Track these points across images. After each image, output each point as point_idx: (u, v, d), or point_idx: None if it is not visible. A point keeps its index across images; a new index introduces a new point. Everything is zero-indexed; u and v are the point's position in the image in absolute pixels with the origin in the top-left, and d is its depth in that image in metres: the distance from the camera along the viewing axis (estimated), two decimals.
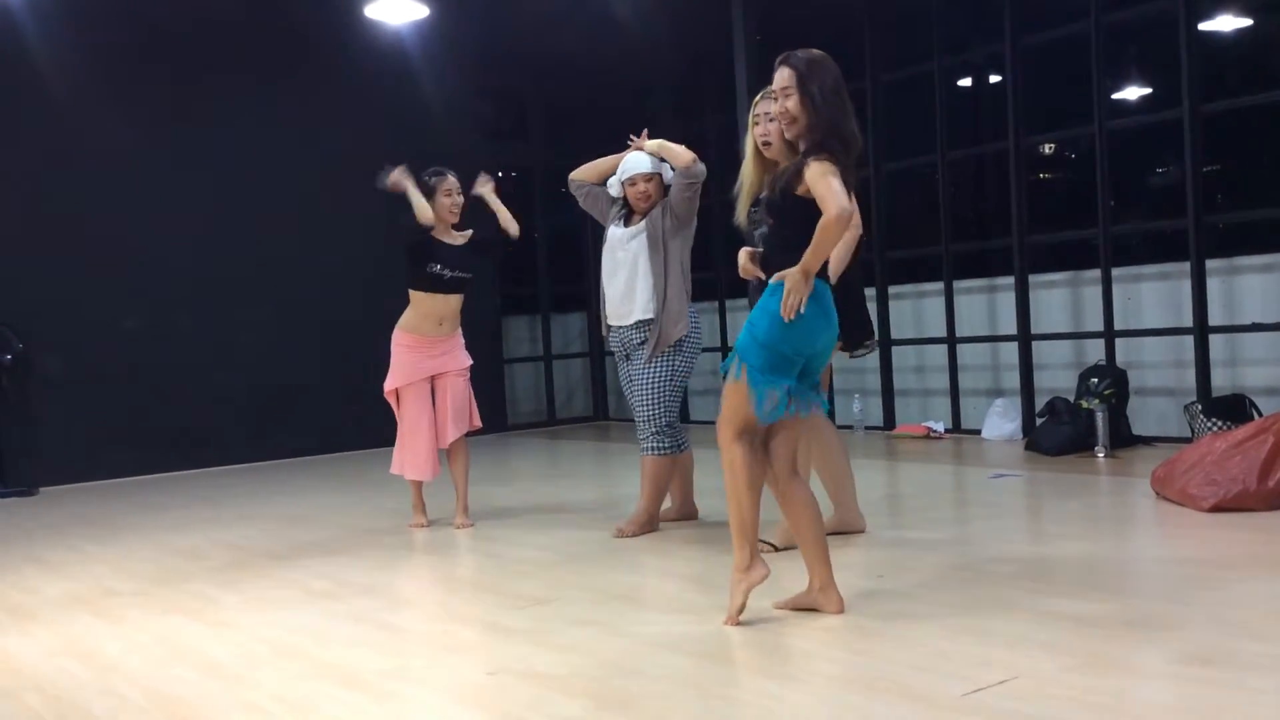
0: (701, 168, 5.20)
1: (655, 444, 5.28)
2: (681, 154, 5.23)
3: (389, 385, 5.86)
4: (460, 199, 5.83)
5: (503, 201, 5.93)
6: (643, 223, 5.30)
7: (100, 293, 8.71)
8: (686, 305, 5.28)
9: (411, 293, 5.81)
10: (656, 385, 5.26)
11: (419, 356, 5.80)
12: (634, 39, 9.34)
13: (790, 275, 3.51)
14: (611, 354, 5.47)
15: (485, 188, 5.96)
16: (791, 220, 3.58)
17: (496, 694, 3.18)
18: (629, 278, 5.30)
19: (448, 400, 5.79)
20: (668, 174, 5.33)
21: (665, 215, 5.22)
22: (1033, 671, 3.01)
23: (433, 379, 5.83)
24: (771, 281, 3.62)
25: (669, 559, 4.87)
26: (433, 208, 5.67)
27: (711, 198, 10.62)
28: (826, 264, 3.61)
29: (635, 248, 5.28)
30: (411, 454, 5.82)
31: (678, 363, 5.28)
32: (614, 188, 5.41)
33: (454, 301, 5.82)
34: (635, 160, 5.31)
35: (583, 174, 5.58)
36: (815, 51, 3.66)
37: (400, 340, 5.84)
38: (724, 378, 3.70)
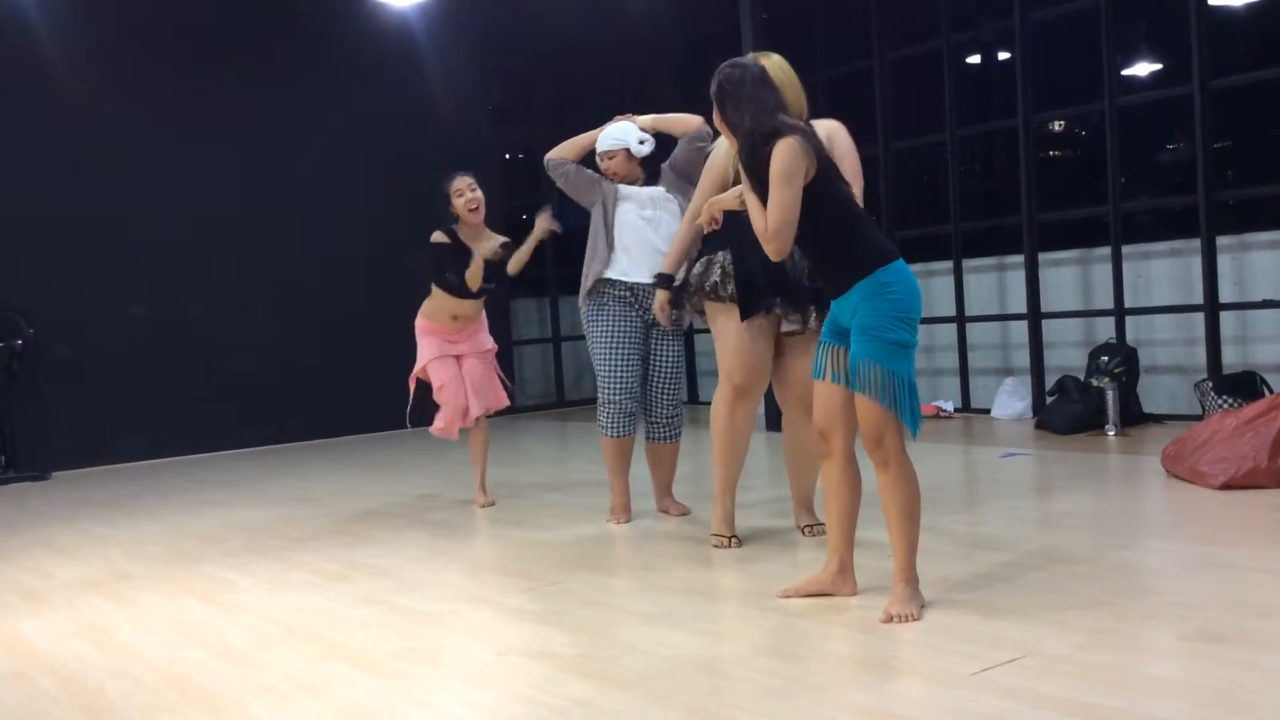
0: (709, 129, 4.99)
1: (680, 428, 5.28)
2: (683, 122, 5.10)
3: (417, 367, 5.89)
4: (475, 194, 5.70)
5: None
6: (660, 182, 5.14)
7: (109, 278, 8.73)
8: None
9: (433, 286, 5.85)
10: (681, 369, 5.27)
11: (439, 340, 5.88)
12: (640, 19, 9.31)
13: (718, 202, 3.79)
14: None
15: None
16: (806, 217, 3.36)
17: (507, 674, 3.19)
18: (671, 231, 4.95)
19: (470, 380, 5.87)
20: (645, 149, 5.12)
21: (673, 171, 5.12)
22: (1042, 649, 3.01)
23: (457, 359, 5.91)
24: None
25: (676, 541, 4.87)
26: (454, 212, 5.70)
27: None
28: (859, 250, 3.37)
29: (673, 201, 5.06)
30: (440, 415, 5.90)
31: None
32: (637, 148, 5.14)
33: (470, 305, 5.84)
34: (616, 133, 5.13)
35: (562, 152, 5.27)
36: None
37: (421, 326, 5.92)
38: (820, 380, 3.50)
